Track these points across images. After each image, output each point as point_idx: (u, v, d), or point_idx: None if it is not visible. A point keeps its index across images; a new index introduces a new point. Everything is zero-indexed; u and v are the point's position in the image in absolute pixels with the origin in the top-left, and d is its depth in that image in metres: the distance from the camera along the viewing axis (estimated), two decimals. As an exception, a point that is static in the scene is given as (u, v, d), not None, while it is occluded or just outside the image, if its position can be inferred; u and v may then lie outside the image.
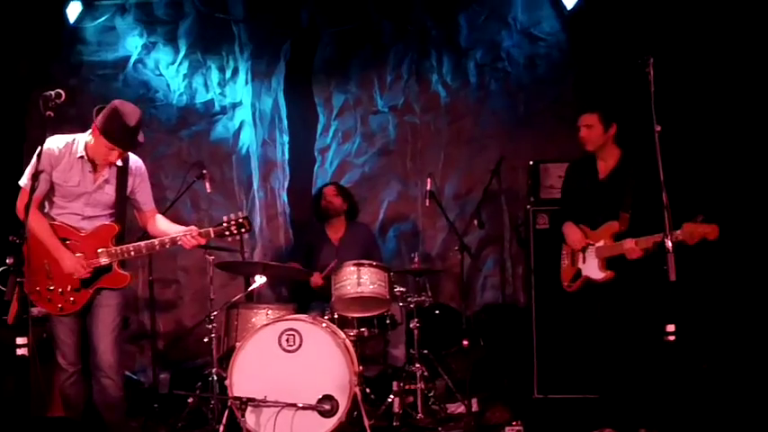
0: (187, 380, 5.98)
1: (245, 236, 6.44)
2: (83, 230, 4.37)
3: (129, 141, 4.29)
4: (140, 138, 4.34)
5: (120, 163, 4.41)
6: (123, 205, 4.48)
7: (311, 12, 7.14)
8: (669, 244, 3.67)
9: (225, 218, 4.54)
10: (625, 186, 4.88)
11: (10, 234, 3.79)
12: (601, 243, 4.97)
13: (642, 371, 4.86)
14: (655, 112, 3.78)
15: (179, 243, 4.43)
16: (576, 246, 5.09)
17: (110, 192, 4.42)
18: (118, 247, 4.38)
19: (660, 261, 3.98)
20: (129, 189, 4.48)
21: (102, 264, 4.36)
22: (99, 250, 4.35)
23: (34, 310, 4.74)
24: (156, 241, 4.44)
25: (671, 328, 3.59)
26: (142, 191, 4.57)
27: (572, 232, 5.13)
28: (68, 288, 4.33)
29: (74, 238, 4.36)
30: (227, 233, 4.51)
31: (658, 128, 3.88)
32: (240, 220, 4.52)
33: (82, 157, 4.33)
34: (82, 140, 4.36)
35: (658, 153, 3.85)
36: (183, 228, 4.53)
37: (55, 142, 4.34)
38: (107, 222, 4.42)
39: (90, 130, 4.32)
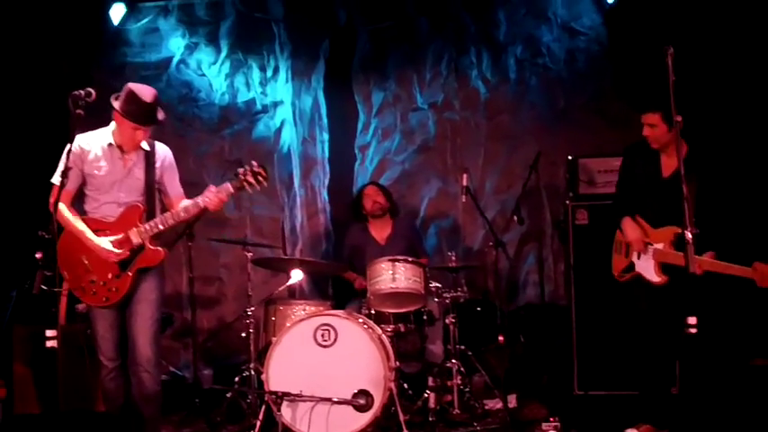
0: (229, 375, 6.03)
1: (285, 233, 6.56)
2: (110, 217, 4.47)
3: (148, 117, 4.37)
4: (160, 115, 4.43)
5: (147, 147, 4.52)
6: (153, 188, 4.56)
7: (348, 10, 7.17)
8: (689, 236, 3.60)
9: (240, 169, 4.46)
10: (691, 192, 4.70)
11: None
12: (660, 246, 4.78)
13: (690, 370, 4.73)
14: (675, 103, 3.70)
15: (203, 205, 4.45)
16: (635, 246, 4.88)
17: (139, 176, 4.51)
18: (146, 224, 4.45)
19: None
20: (157, 174, 4.56)
21: (135, 244, 4.43)
22: (130, 231, 4.44)
23: (79, 306, 4.86)
24: (179, 209, 4.49)
25: (692, 320, 3.53)
26: (169, 176, 4.65)
27: (632, 230, 4.91)
28: (109, 276, 4.42)
29: (103, 227, 4.46)
30: (245, 185, 4.43)
31: (678, 118, 3.80)
32: (255, 169, 4.43)
33: (110, 144, 4.46)
34: (108, 131, 4.51)
35: (677, 143, 3.78)
36: None
37: (84, 138, 4.47)
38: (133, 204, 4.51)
39: (113, 121, 4.45)
